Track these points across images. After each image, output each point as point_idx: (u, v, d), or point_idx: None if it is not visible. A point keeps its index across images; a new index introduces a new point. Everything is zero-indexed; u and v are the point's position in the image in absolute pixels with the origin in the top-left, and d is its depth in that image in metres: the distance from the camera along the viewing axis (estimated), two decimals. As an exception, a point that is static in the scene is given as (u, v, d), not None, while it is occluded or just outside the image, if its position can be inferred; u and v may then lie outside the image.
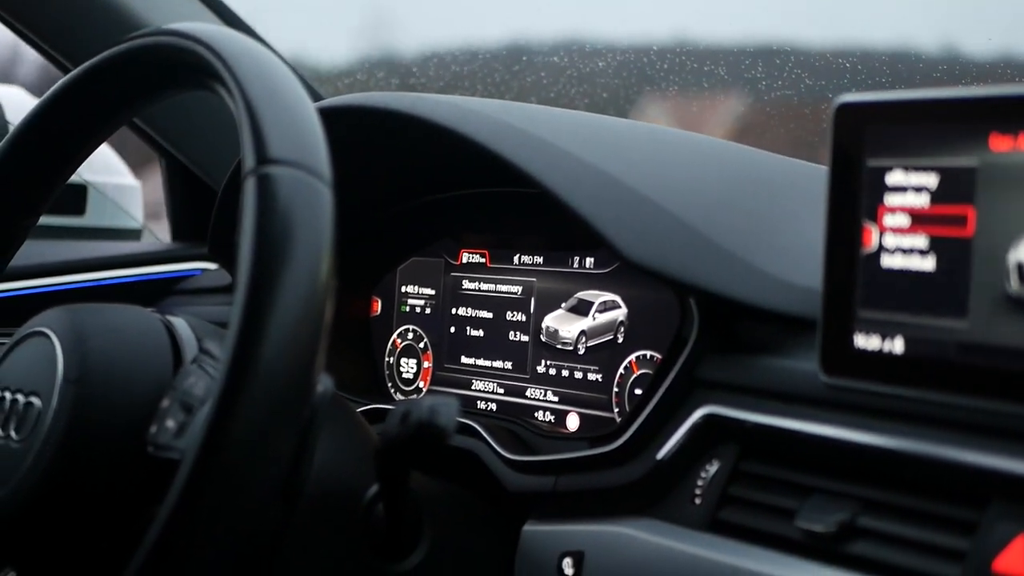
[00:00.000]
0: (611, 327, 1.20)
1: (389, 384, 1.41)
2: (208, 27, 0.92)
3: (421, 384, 1.38)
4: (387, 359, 1.42)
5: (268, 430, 0.74)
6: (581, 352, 1.22)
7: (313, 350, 0.76)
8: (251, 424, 0.74)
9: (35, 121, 1.07)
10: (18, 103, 1.90)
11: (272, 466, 0.75)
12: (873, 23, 1.78)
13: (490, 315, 1.31)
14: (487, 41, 2.15)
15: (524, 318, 1.28)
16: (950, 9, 1.73)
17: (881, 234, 0.85)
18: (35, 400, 0.91)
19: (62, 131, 1.07)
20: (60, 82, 1.05)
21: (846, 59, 1.67)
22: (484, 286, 1.32)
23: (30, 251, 1.19)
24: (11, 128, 1.06)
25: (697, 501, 0.97)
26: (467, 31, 2.23)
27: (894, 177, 0.85)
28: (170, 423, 0.86)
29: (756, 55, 1.80)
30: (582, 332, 1.22)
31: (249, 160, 0.80)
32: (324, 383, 0.80)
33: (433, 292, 1.38)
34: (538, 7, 2.14)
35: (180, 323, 0.94)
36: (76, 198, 2.02)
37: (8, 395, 0.93)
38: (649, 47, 1.87)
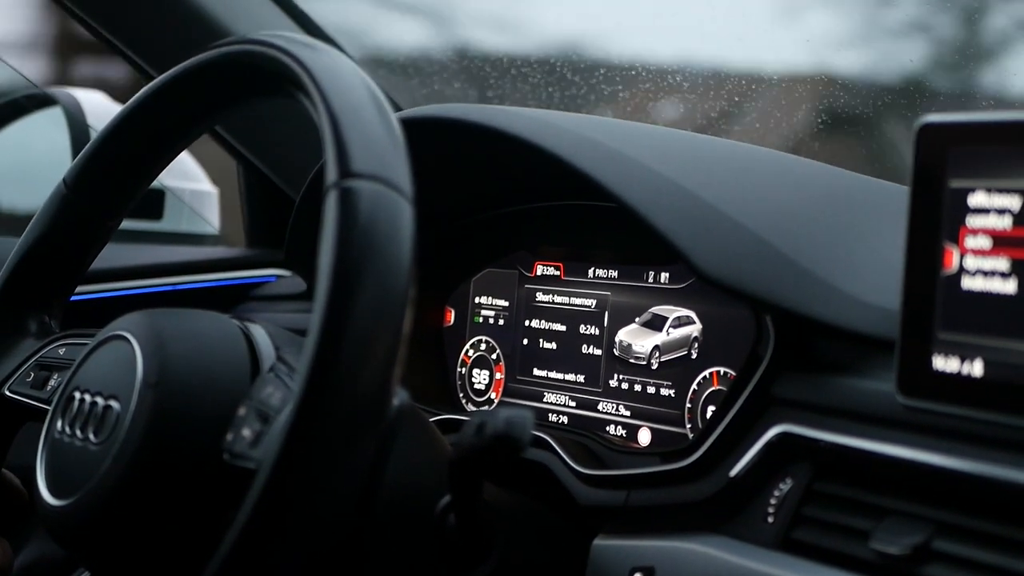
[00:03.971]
0: (685, 343, 1.20)
1: (460, 395, 1.42)
2: (294, 37, 0.93)
3: (493, 395, 1.38)
4: (459, 369, 1.42)
5: (344, 445, 0.74)
6: (654, 367, 1.22)
7: (390, 366, 0.76)
8: (327, 439, 0.74)
9: (122, 125, 1.09)
10: (100, 108, 1.93)
11: (347, 480, 0.75)
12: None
13: (563, 328, 1.31)
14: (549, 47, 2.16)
15: (597, 332, 1.28)
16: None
17: (962, 256, 0.85)
18: (114, 403, 0.91)
19: (147, 136, 1.09)
20: (146, 88, 1.06)
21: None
22: (558, 299, 1.32)
23: (109, 254, 1.20)
24: (92, 132, 1.08)
25: (770, 520, 0.97)
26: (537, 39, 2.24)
27: (976, 199, 0.84)
28: (246, 432, 0.86)
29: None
30: (656, 347, 1.22)
31: (332, 173, 0.81)
32: (400, 396, 0.80)
33: (507, 303, 1.38)
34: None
35: (258, 331, 0.95)
36: (154, 203, 2.04)
37: (88, 397, 0.94)
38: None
